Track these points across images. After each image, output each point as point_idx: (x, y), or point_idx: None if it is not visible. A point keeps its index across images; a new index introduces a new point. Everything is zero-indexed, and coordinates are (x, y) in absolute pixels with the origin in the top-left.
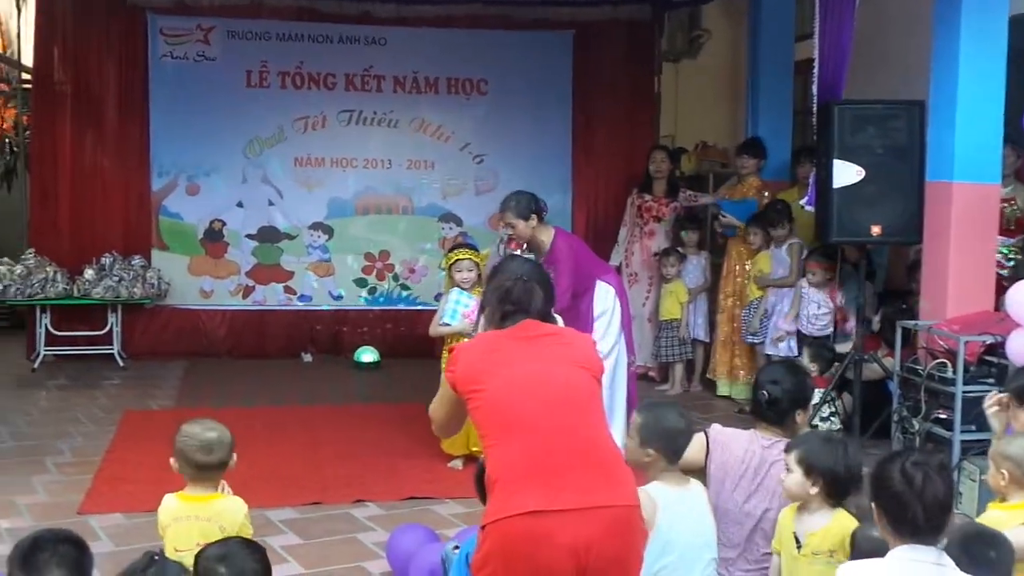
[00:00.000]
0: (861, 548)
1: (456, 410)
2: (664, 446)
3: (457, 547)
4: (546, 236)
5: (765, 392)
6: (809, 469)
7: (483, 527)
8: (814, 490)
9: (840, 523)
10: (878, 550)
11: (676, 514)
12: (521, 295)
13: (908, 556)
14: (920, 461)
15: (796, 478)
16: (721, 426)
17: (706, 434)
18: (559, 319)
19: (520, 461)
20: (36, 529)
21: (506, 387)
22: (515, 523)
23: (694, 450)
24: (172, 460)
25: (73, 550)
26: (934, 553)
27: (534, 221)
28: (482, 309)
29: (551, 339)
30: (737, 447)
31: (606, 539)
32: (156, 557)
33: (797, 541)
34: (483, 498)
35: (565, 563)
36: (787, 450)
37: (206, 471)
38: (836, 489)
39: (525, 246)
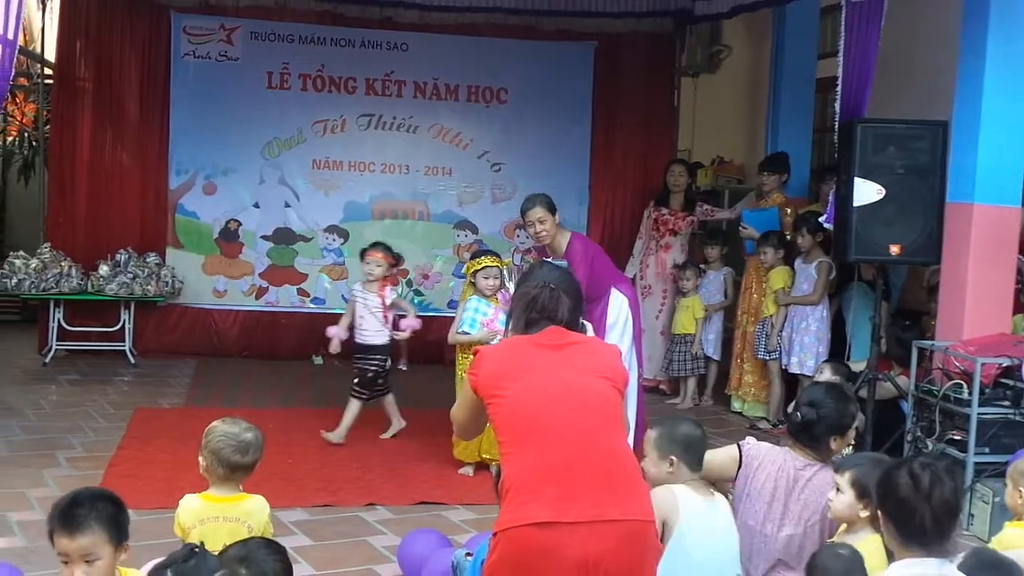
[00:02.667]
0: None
1: (477, 413)
2: (683, 453)
3: (470, 554)
4: (563, 238)
5: (799, 414)
6: (862, 492)
7: (494, 534)
8: (864, 513)
9: (864, 548)
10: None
11: (699, 524)
12: (547, 303)
13: (905, 571)
14: (927, 463)
15: (847, 499)
16: (756, 440)
17: (739, 447)
18: (589, 327)
19: (534, 470)
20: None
21: (526, 394)
22: (524, 533)
23: (726, 461)
24: (201, 460)
25: (111, 506)
26: (935, 564)
27: (558, 218)
28: (509, 314)
29: (576, 348)
30: (770, 465)
31: (616, 554)
32: (196, 549)
33: None
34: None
35: None
36: (837, 470)
37: (238, 472)
38: None
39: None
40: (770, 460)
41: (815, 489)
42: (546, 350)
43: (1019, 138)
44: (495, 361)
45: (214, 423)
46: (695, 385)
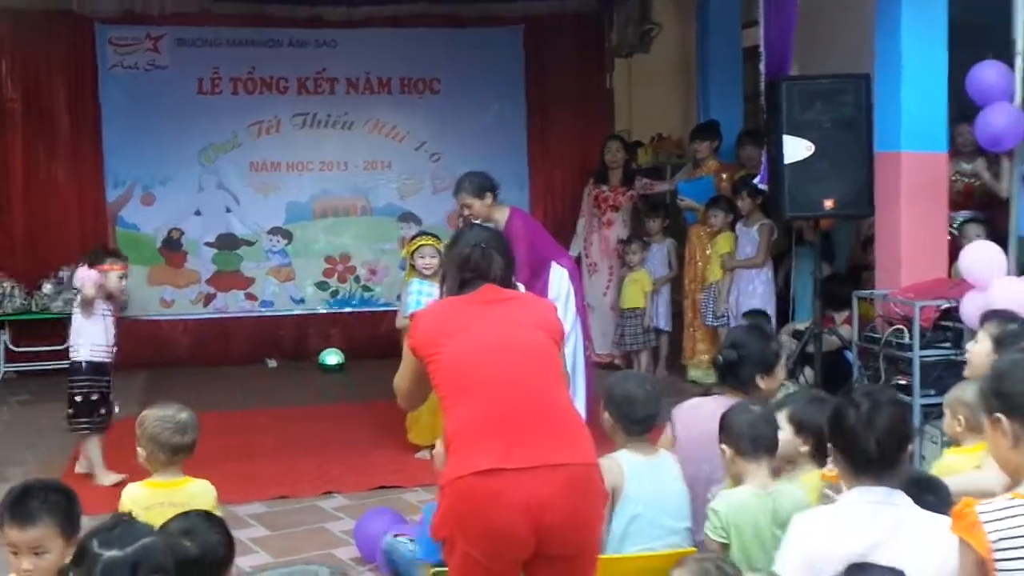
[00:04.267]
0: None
1: (419, 378)
2: (617, 411)
3: (397, 535)
4: (500, 215)
5: (722, 356)
6: (800, 427)
7: (441, 488)
8: (804, 448)
9: (806, 481)
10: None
11: (644, 482)
12: (479, 261)
13: (859, 498)
14: (869, 391)
15: (785, 436)
16: (683, 403)
17: (671, 418)
18: (521, 287)
19: (476, 420)
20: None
21: (464, 349)
22: (469, 482)
23: (669, 439)
24: (140, 450)
25: (63, 499)
26: (883, 492)
27: (489, 199)
28: (442, 278)
29: (510, 303)
30: (700, 412)
31: (562, 497)
32: (124, 518)
33: None
34: None
35: (520, 521)
36: (777, 409)
37: (179, 454)
38: (824, 447)
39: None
40: (700, 408)
41: None
42: (481, 306)
43: (940, 85)
44: (431, 321)
45: (144, 412)
46: (649, 358)
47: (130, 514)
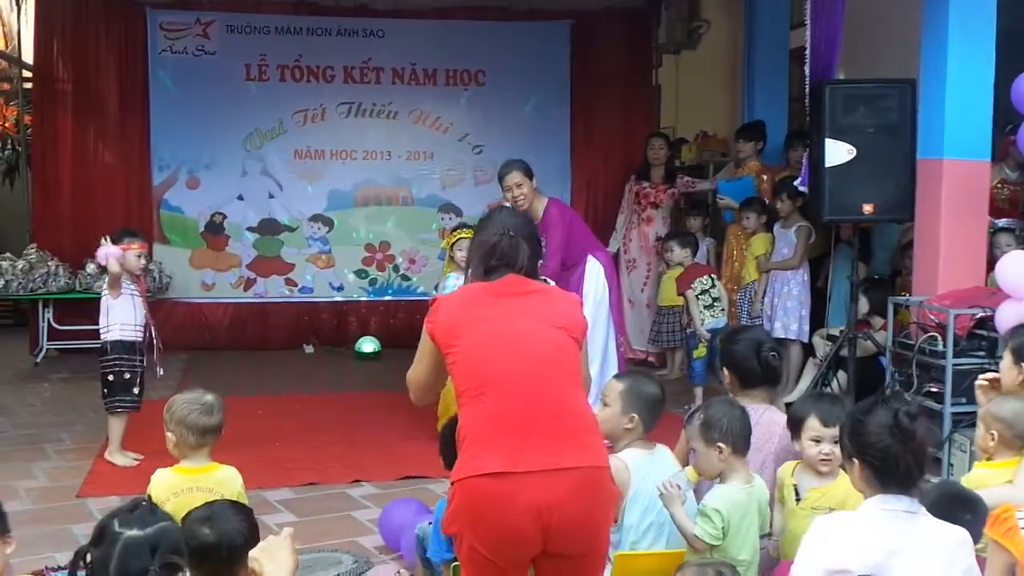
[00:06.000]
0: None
1: (436, 364)
2: (644, 412)
3: (432, 523)
4: (540, 204)
5: (770, 359)
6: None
7: (452, 484)
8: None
9: (844, 483)
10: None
11: (650, 476)
12: (506, 250)
13: (881, 507)
14: (913, 413)
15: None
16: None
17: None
18: (551, 282)
19: (489, 420)
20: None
21: (482, 343)
22: (479, 483)
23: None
24: (169, 435)
25: None
26: (906, 502)
27: (536, 182)
28: (467, 263)
29: (534, 296)
30: None
31: (571, 501)
32: (144, 503)
33: (796, 494)
34: (447, 462)
35: (528, 524)
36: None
37: (208, 436)
38: None
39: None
40: None
41: (764, 428)
42: (503, 298)
43: (985, 93)
44: (451, 309)
45: (171, 399)
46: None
47: (149, 498)
